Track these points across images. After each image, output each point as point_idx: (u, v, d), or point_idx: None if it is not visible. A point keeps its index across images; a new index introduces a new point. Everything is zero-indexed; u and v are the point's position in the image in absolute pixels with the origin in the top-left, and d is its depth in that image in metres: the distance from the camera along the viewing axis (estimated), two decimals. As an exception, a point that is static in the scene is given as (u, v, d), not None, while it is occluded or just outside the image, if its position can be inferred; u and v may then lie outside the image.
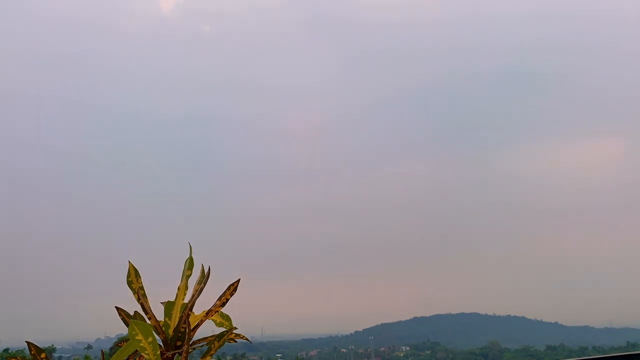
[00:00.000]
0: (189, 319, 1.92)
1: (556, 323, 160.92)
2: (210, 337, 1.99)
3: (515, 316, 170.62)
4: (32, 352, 1.80)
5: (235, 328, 2.07)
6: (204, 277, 2.03)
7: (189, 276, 2.00)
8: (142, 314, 1.95)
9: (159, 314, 1.94)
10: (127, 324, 1.85)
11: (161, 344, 1.90)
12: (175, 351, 1.89)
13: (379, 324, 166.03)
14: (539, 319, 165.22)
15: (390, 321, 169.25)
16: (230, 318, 2.12)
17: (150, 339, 1.75)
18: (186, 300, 1.97)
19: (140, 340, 1.74)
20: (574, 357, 67.02)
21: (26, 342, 1.81)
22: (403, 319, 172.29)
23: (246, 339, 2.14)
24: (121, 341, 1.97)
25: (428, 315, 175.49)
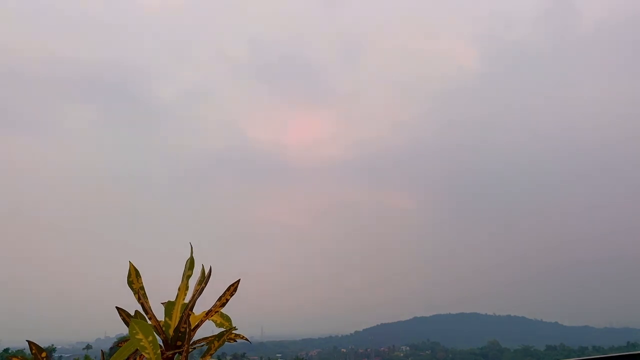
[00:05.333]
0: (189, 319, 1.92)
1: (556, 323, 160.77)
2: (210, 337, 1.99)
3: (515, 316, 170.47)
4: (33, 352, 1.80)
5: (235, 328, 2.07)
6: (205, 278, 2.03)
7: (189, 276, 2.00)
8: (143, 313, 1.95)
9: (160, 314, 1.95)
10: (127, 324, 1.86)
11: (161, 343, 1.90)
12: (176, 351, 1.89)
13: (379, 324, 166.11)
14: (539, 319, 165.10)
15: (390, 321, 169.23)
16: (230, 318, 2.12)
17: (150, 338, 1.76)
18: (186, 301, 1.98)
19: (140, 340, 1.74)
20: (574, 357, 66.89)
21: (27, 341, 1.82)
22: (403, 319, 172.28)
23: (246, 339, 2.14)
24: (121, 341, 1.98)
25: (428, 315, 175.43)
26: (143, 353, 1.75)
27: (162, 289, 2.08)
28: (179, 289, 1.98)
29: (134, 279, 1.96)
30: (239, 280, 2.08)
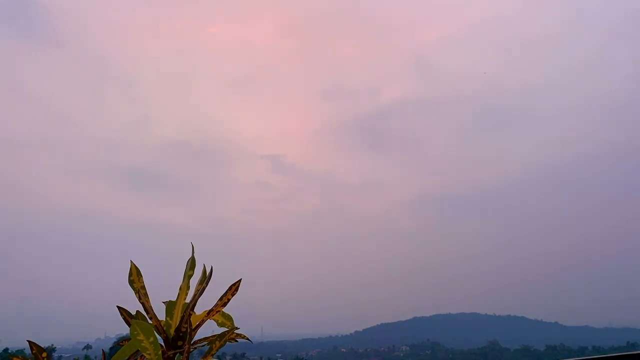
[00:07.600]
0: (191, 319, 1.92)
1: (556, 323, 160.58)
2: (212, 336, 1.98)
3: (515, 316, 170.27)
4: (34, 351, 1.79)
5: (237, 328, 2.06)
6: (206, 277, 2.02)
7: (190, 276, 1.99)
8: (144, 313, 1.94)
9: (161, 313, 1.94)
10: (128, 324, 1.85)
11: (162, 343, 1.89)
12: (177, 350, 1.88)
13: (379, 324, 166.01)
14: (539, 319, 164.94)
15: (390, 321, 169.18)
16: (231, 318, 2.11)
17: (151, 339, 1.75)
18: (188, 300, 1.97)
19: (141, 340, 1.73)
20: (574, 357, 66.87)
21: (27, 341, 1.81)
22: (403, 319, 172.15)
23: (247, 339, 2.13)
24: (122, 341, 1.97)
25: (428, 315, 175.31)
26: (144, 354, 1.74)
27: (163, 289, 2.08)
28: (180, 289, 1.97)
29: (135, 278, 1.95)
30: (240, 280, 2.07)
